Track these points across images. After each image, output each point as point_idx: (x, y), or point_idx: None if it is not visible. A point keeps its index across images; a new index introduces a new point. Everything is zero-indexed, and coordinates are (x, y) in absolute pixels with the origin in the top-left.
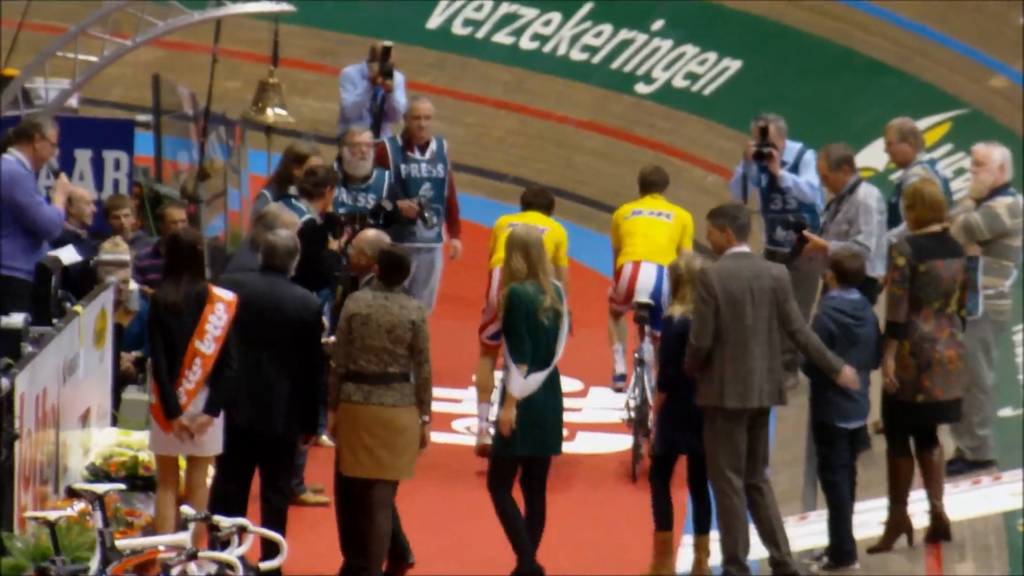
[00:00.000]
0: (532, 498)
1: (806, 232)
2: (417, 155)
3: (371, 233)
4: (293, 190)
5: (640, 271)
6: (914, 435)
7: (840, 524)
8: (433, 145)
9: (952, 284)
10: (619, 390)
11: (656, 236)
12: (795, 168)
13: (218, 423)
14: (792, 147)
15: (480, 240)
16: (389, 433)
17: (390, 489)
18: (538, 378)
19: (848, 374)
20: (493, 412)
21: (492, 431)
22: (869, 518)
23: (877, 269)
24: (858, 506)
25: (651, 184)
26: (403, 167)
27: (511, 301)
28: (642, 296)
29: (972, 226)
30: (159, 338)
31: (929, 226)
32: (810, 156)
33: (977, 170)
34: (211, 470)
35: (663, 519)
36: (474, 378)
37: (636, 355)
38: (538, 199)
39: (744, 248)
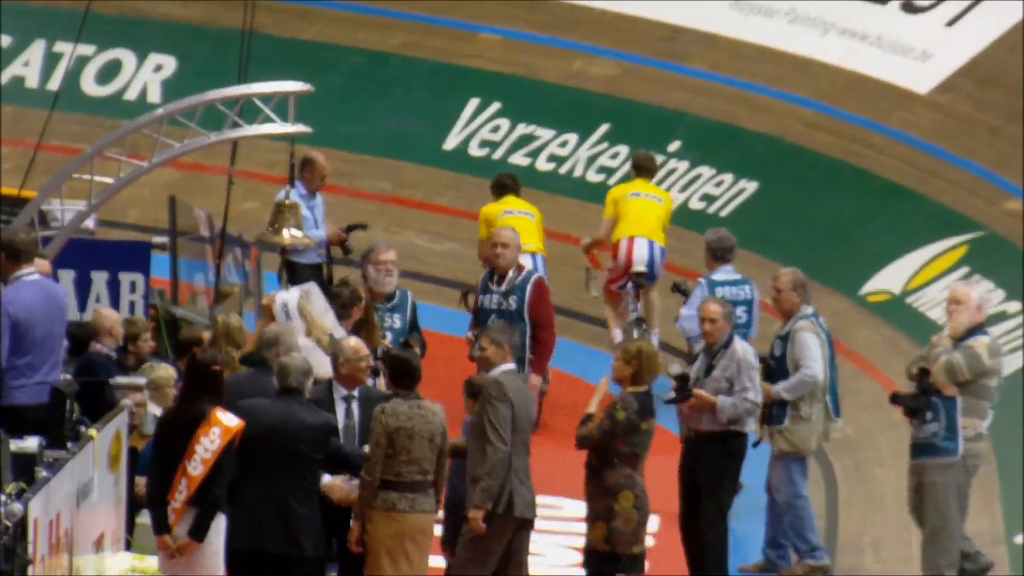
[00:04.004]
0: None
1: (695, 391)
2: (495, 286)
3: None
4: None
5: (635, 245)
6: None
7: None
8: (512, 276)
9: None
10: None
11: (647, 215)
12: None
13: (215, 546)
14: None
15: None
16: (425, 539)
17: None
18: None
19: None
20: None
21: None
22: None
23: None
24: None
25: (646, 169)
26: (482, 297)
27: None
28: (639, 266)
29: (954, 367)
30: (156, 456)
31: (645, 384)
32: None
33: (955, 309)
34: None
35: None
36: None
37: (634, 315)
38: (513, 182)
39: (512, 365)
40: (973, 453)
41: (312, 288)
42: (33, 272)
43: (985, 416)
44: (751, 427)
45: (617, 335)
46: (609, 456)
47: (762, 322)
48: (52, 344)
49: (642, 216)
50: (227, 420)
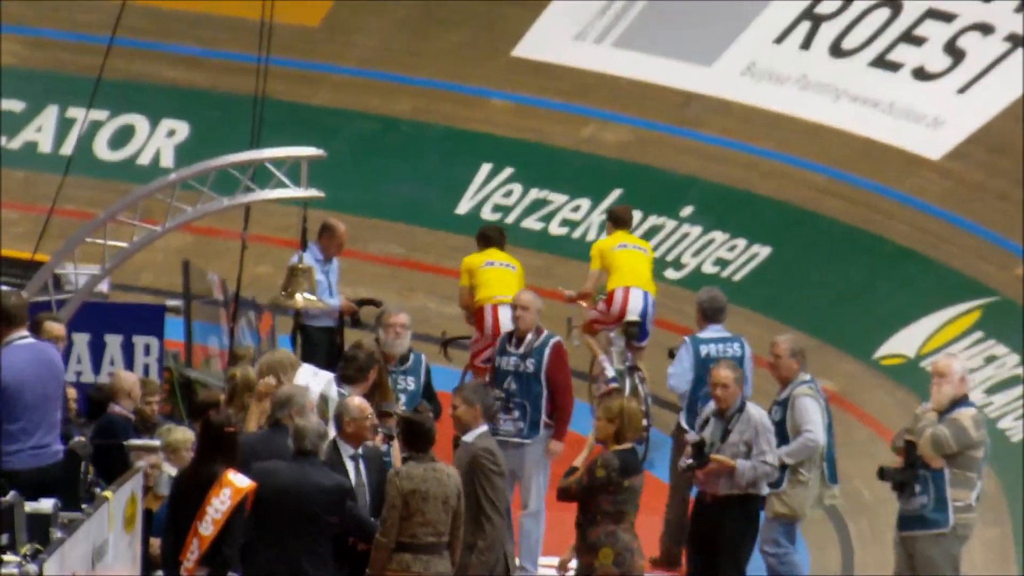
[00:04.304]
0: None
1: (713, 455)
2: (512, 348)
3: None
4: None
5: (630, 295)
6: None
7: None
8: (530, 338)
9: (639, 498)
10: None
11: (639, 266)
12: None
13: None
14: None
15: None
16: None
17: None
18: None
19: None
20: None
21: None
22: None
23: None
24: None
25: (624, 221)
26: (500, 358)
27: None
28: (633, 315)
29: (941, 440)
30: (170, 517)
31: (628, 442)
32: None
33: (939, 382)
34: None
35: None
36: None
37: (627, 364)
38: (499, 235)
39: (486, 428)
40: (963, 524)
41: (332, 381)
42: (26, 336)
43: (973, 487)
44: (765, 489)
45: (606, 363)
46: (593, 513)
47: (758, 377)
48: (46, 408)
49: (635, 267)
50: (238, 481)
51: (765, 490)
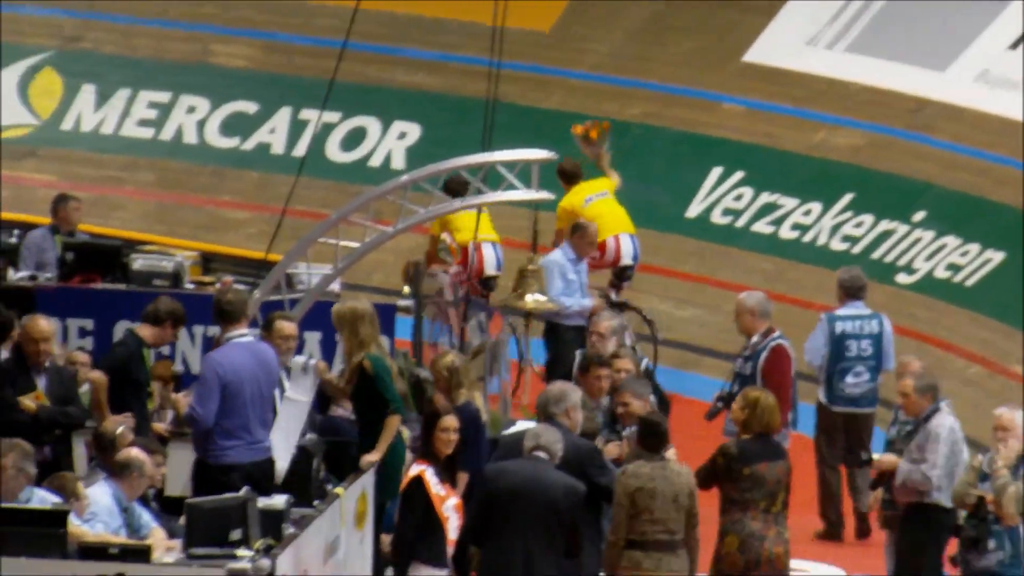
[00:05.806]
0: None
1: (875, 456)
2: (745, 350)
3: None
4: None
5: (621, 241)
6: None
7: None
8: (754, 340)
9: (777, 485)
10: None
11: (616, 211)
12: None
13: None
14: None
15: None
16: None
17: None
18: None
19: None
20: None
21: None
22: None
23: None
24: None
25: (576, 175)
26: (736, 360)
27: (379, 368)
28: (627, 260)
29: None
30: None
31: (754, 432)
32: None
33: (1005, 436)
34: None
35: None
36: None
37: (615, 299)
38: (461, 186)
39: None
40: None
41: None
42: (245, 334)
43: None
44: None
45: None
46: (722, 501)
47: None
48: (262, 407)
49: (614, 213)
50: (411, 470)
51: (947, 501)
